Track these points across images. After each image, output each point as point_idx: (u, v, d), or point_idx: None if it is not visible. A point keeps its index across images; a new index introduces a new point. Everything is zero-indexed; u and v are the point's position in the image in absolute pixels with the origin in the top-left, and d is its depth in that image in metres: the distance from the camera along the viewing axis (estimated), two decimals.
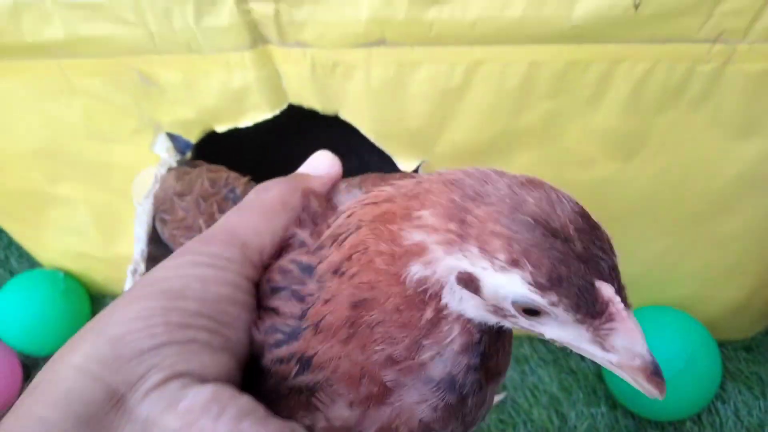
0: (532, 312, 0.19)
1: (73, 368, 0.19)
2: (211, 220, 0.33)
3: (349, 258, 0.20)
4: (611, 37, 0.51)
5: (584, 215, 0.18)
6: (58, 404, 0.19)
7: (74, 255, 0.94)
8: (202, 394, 0.20)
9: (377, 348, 0.20)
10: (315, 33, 0.55)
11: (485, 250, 0.18)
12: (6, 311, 0.93)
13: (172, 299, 0.21)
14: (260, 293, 0.23)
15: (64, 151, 0.71)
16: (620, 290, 0.18)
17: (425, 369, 0.20)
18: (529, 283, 0.17)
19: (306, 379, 0.21)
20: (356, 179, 0.27)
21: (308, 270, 0.22)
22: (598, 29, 0.50)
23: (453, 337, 0.20)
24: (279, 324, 0.21)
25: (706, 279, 0.78)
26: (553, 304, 0.18)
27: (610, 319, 0.18)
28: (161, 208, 0.38)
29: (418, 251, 0.19)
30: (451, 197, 0.18)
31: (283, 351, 0.21)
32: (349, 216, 0.21)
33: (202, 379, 0.21)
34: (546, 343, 0.89)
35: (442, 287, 0.19)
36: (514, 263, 0.17)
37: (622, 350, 0.18)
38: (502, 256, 0.17)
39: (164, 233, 0.37)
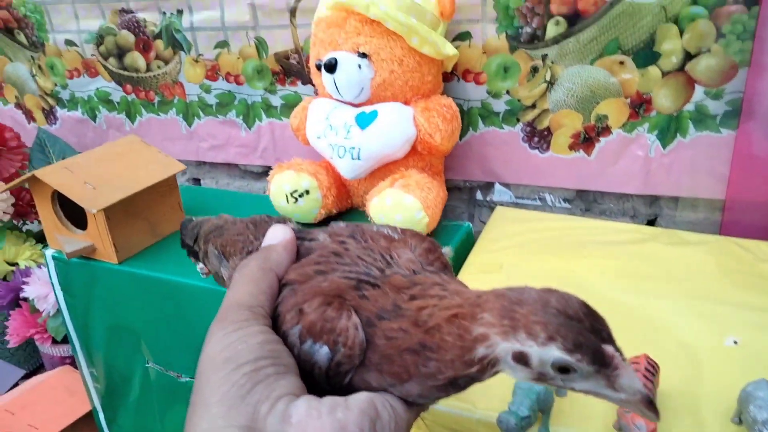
0: (564, 370, 0.26)
1: None
2: (259, 234, 0.39)
3: (425, 325, 0.29)
4: None
5: (587, 306, 0.27)
6: None
7: None
8: (301, 405, 0.27)
9: (425, 365, 0.29)
10: None
11: (531, 334, 0.26)
12: None
13: (233, 363, 0.28)
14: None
15: None
16: (618, 350, 0.26)
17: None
18: (562, 350, 0.25)
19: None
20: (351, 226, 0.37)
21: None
22: None
23: (482, 378, 0.29)
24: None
25: None
26: (579, 360, 0.25)
27: (616, 368, 0.26)
28: (215, 232, 0.43)
29: (482, 339, 0.27)
30: (503, 303, 0.27)
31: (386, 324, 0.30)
32: (428, 311, 0.29)
33: (293, 395, 0.28)
34: None
35: (498, 362, 0.27)
36: (551, 338, 0.25)
37: (627, 389, 0.26)
38: (543, 335, 0.25)
39: (213, 249, 0.43)
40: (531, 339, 0.26)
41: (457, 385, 0.29)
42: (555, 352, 0.26)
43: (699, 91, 0.87)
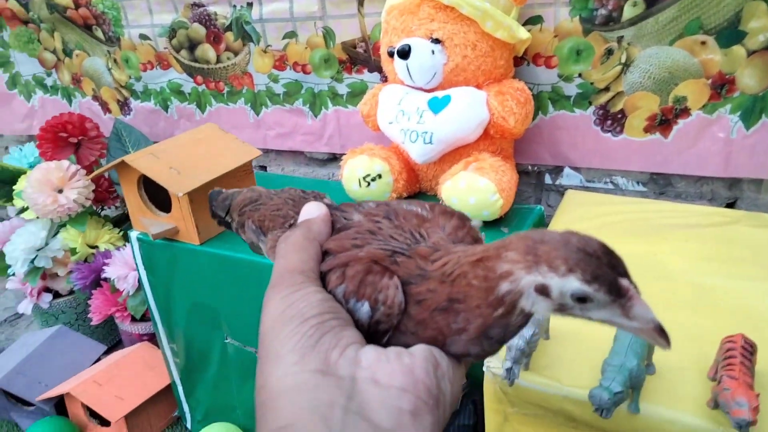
0: (582, 300, 0.28)
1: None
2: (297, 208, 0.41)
3: (451, 276, 0.30)
4: None
5: (605, 245, 0.28)
6: None
7: None
8: (369, 351, 0.29)
9: (454, 320, 0.30)
10: None
11: (552, 267, 0.27)
12: None
13: (300, 318, 0.29)
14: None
15: None
16: (633, 283, 0.28)
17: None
18: (581, 281, 0.27)
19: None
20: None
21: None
22: None
23: (510, 323, 0.30)
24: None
25: None
26: (596, 290, 0.27)
27: (630, 299, 0.27)
28: (250, 206, 0.44)
29: (506, 275, 0.28)
30: (527, 243, 0.29)
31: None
32: (452, 263, 0.31)
33: (358, 344, 0.29)
34: None
35: (521, 296, 0.29)
36: (571, 271, 0.27)
37: (640, 318, 0.27)
38: (563, 268, 0.27)
39: (251, 224, 0.44)
40: (552, 271, 0.28)
41: (489, 337, 0.30)
42: (574, 283, 0.27)
43: None
